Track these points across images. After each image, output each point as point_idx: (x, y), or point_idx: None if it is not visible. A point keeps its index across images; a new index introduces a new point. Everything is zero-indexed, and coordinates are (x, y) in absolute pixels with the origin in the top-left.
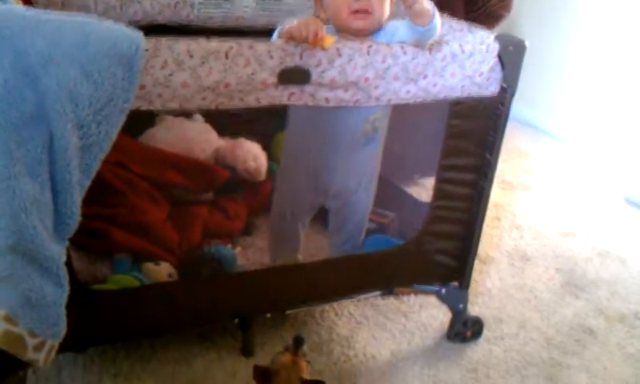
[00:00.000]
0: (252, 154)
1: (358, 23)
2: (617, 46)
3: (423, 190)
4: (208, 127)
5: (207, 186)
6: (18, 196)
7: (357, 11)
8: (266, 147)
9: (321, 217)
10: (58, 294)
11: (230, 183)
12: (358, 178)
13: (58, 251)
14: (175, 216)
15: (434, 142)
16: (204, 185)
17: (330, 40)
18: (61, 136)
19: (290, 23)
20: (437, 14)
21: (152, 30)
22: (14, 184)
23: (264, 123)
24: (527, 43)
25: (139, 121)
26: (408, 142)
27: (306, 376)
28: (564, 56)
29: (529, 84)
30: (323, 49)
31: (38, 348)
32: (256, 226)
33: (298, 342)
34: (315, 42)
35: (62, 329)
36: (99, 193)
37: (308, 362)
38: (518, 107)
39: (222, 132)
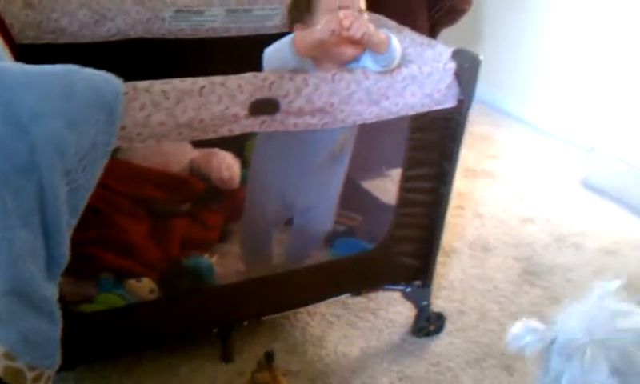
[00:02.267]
0: (225, 164)
1: (349, 51)
2: (582, 28)
3: (391, 182)
4: None
5: (184, 198)
6: (14, 246)
7: (351, 41)
8: (239, 153)
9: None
10: (52, 330)
11: (206, 193)
12: (322, 194)
13: (51, 291)
14: (155, 231)
15: (399, 134)
16: (181, 197)
17: None
18: (50, 185)
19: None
20: (393, 38)
21: (126, 44)
22: (9, 235)
23: None
24: (481, 57)
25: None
26: (374, 136)
27: None
28: (529, 39)
29: (494, 68)
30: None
31: (36, 379)
32: (232, 233)
33: (270, 357)
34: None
35: (58, 360)
36: (84, 217)
37: (284, 374)
38: (485, 90)
39: (195, 143)
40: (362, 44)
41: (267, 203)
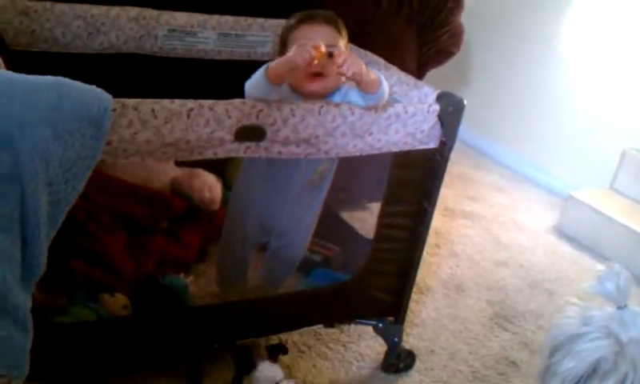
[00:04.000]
0: (208, 185)
1: (313, 86)
2: (563, 79)
3: (370, 215)
4: None
5: (164, 216)
6: None
7: (313, 75)
8: (221, 174)
9: None
10: (24, 339)
11: (186, 212)
12: (300, 220)
13: (24, 299)
14: (131, 246)
15: (381, 168)
16: (161, 215)
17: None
18: (32, 195)
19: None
20: (384, 80)
21: (118, 57)
22: None
23: None
24: (466, 102)
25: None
26: (357, 169)
27: None
28: (513, 87)
29: (478, 110)
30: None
31: None
32: (209, 254)
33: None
34: (319, 56)
35: (27, 368)
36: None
37: None
38: (468, 131)
39: (178, 161)
40: (322, 79)
41: (247, 225)
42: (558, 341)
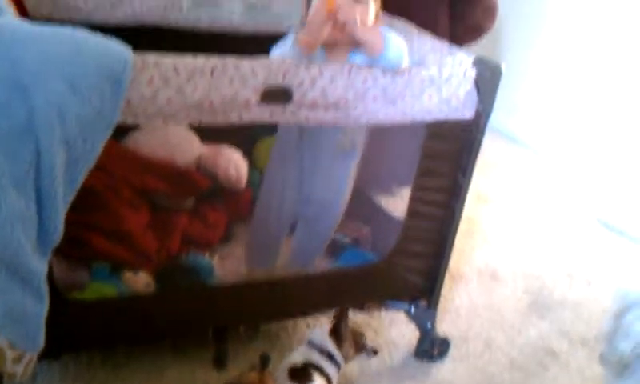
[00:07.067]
0: (233, 163)
1: (336, 34)
2: (592, 58)
3: (400, 200)
4: (190, 133)
5: (188, 193)
6: (4, 210)
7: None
8: (248, 154)
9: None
10: (38, 308)
11: (211, 191)
12: (334, 191)
13: (40, 266)
14: (155, 223)
15: (412, 153)
16: (185, 193)
17: None
18: (48, 151)
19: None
20: (391, 49)
21: (140, 31)
22: (0, 197)
23: (246, 130)
24: (504, 67)
25: (123, 123)
26: (386, 153)
27: None
28: (542, 67)
29: (505, 93)
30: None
31: (16, 360)
32: (234, 235)
33: (265, 360)
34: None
35: (41, 342)
36: (80, 198)
37: (274, 380)
38: (496, 116)
39: (204, 138)
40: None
41: (284, 199)
42: (626, 303)
